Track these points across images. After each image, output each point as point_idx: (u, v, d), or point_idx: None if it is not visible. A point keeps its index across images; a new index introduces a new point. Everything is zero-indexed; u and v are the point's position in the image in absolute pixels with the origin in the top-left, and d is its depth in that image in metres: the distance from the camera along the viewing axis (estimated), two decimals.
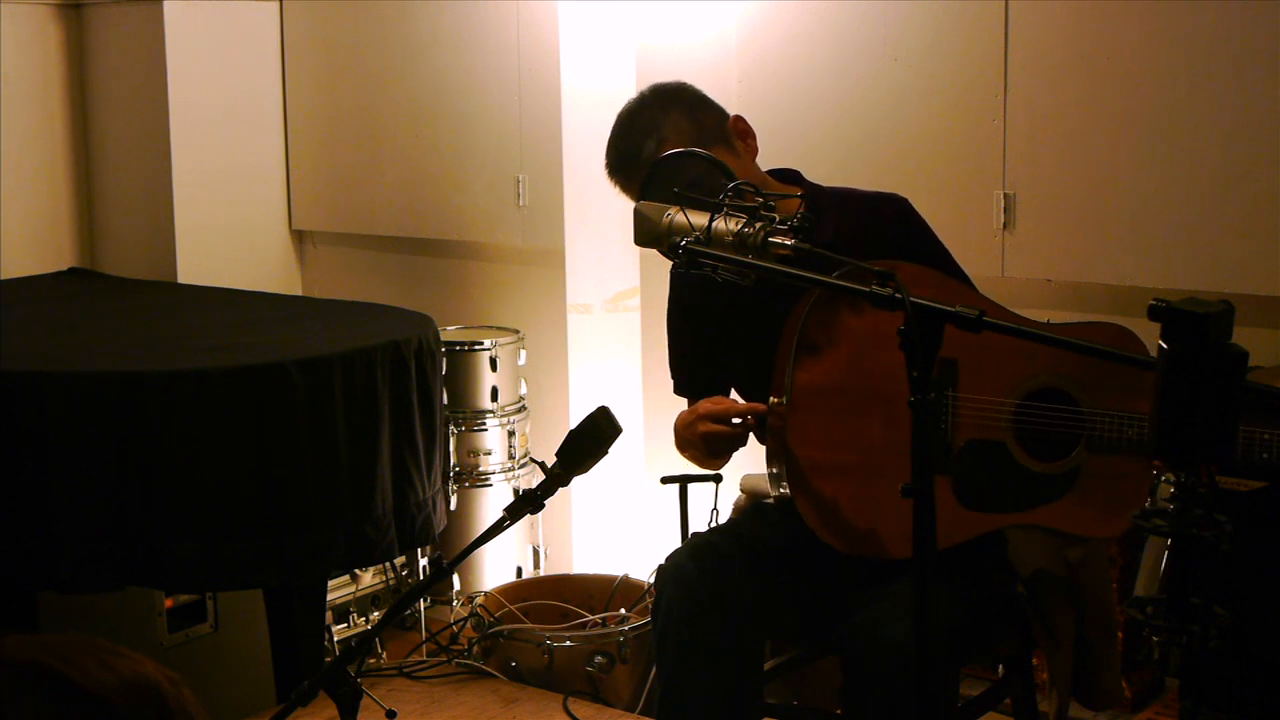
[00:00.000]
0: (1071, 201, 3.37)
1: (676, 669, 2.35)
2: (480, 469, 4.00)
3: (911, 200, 2.56)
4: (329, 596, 3.59)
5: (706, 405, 2.36)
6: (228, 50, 4.66)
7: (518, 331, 4.18)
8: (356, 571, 3.81)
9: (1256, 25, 3.08)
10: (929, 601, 1.72)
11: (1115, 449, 2.21)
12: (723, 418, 2.34)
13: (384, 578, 3.93)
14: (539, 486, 2.29)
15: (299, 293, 4.90)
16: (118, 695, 0.93)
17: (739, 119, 2.53)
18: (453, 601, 3.94)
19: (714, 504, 2.90)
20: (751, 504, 3.10)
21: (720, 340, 2.54)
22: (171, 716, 0.94)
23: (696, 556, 2.37)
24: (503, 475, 4.02)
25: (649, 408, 3.90)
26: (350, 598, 3.86)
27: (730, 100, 3.36)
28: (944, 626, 2.10)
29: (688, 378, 2.59)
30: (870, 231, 2.48)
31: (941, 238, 2.55)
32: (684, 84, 2.55)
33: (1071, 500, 2.25)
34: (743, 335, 2.50)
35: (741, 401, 2.42)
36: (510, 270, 4.44)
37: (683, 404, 2.62)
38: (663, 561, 2.43)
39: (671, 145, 2.39)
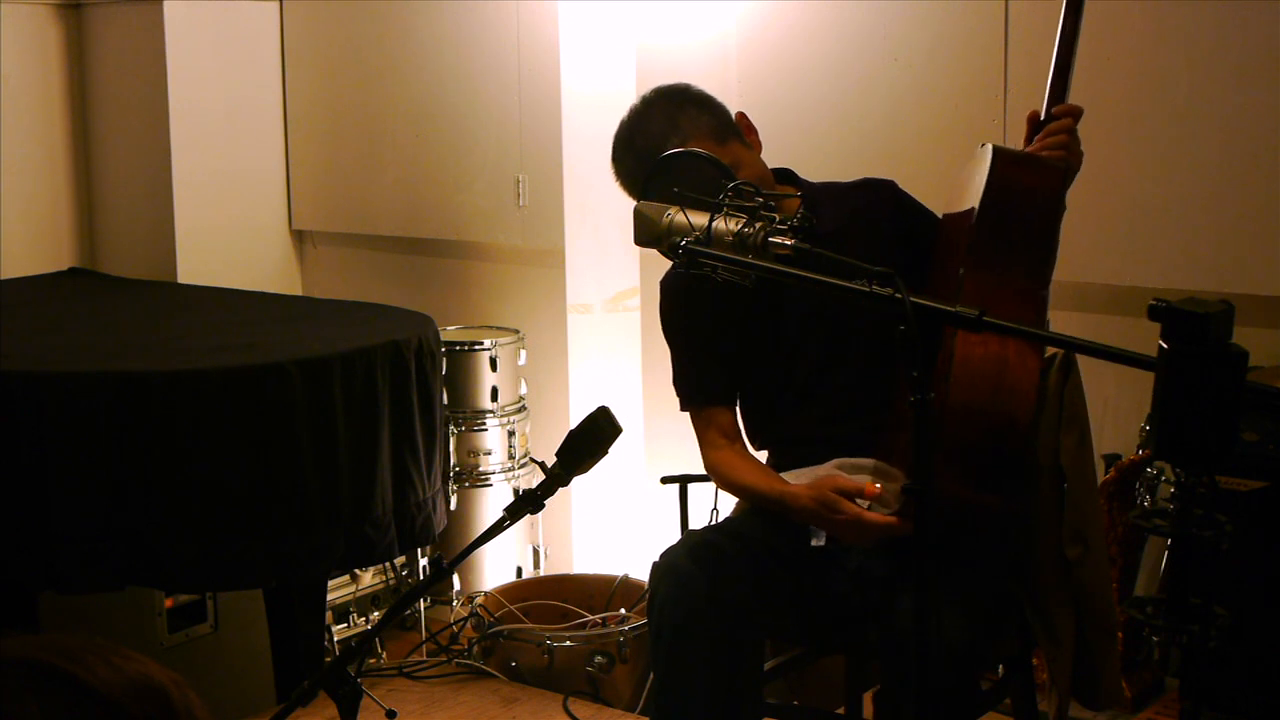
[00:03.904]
0: (1071, 201, 3.36)
1: (671, 667, 2.33)
2: (480, 469, 4.00)
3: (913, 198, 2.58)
4: (329, 596, 3.59)
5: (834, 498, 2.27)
6: (228, 50, 4.66)
7: (518, 331, 4.17)
8: (356, 571, 3.81)
9: (1256, 25, 3.08)
10: (947, 606, 1.72)
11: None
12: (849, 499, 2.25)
13: (384, 578, 3.93)
14: (539, 486, 2.29)
15: (299, 293, 4.90)
16: (125, 696, 0.93)
17: (742, 115, 2.56)
18: (453, 601, 3.94)
19: (714, 504, 2.90)
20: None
21: (723, 344, 2.54)
22: (177, 718, 0.94)
23: (692, 553, 2.36)
24: (503, 475, 4.02)
25: (649, 408, 3.90)
26: (350, 598, 3.86)
27: (730, 100, 3.33)
28: (970, 629, 2.11)
29: (698, 384, 2.57)
30: (869, 220, 2.50)
31: None
32: (687, 84, 2.55)
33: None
34: (743, 337, 2.50)
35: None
36: (510, 270, 4.44)
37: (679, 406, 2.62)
38: (657, 559, 2.41)
39: (694, 141, 2.40)
